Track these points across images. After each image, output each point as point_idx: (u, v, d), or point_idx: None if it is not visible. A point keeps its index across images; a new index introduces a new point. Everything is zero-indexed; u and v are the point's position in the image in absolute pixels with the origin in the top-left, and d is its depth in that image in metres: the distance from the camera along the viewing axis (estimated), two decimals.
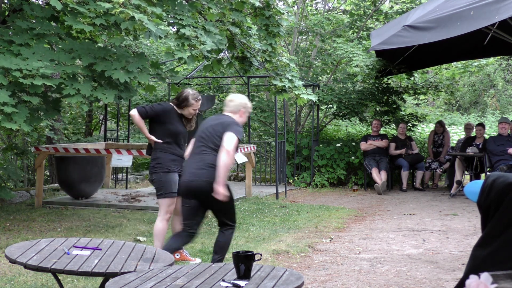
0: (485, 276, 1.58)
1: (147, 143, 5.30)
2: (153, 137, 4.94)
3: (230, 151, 4.22)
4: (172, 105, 5.00)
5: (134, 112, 4.89)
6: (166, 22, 6.38)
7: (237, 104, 4.57)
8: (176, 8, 6.31)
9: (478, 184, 2.29)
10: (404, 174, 10.37)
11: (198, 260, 5.11)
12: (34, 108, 6.23)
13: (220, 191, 4.18)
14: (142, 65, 5.98)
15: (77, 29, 6.77)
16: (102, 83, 6.03)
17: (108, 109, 12.46)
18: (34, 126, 7.16)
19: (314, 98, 8.07)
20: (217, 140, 4.33)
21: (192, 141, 4.56)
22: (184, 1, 6.92)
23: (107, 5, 5.35)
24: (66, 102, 11.34)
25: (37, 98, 5.91)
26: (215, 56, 7.28)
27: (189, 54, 6.11)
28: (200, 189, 4.30)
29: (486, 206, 2.06)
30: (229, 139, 4.25)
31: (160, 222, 4.93)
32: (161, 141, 4.92)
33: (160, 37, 5.82)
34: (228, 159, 4.19)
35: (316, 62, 13.59)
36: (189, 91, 4.99)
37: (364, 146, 10.43)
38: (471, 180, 9.48)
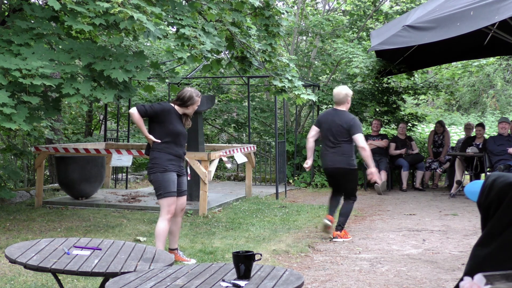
0: (479, 277, 1.57)
1: (147, 143, 5.30)
2: (151, 137, 4.91)
3: (365, 147, 5.98)
4: (173, 105, 4.99)
5: (133, 111, 4.85)
6: (165, 22, 6.37)
7: (344, 95, 6.12)
8: (176, 8, 6.30)
9: (478, 184, 2.29)
10: (404, 174, 10.37)
11: (193, 261, 5.10)
12: (34, 107, 6.22)
13: (372, 171, 6.04)
14: (141, 63, 5.96)
15: (76, 29, 6.76)
16: (101, 83, 6.02)
17: (108, 109, 12.45)
18: (33, 126, 7.16)
19: (314, 98, 8.07)
20: (345, 135, 6.03)
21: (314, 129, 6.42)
22: (184, 1, 6.92)
23: (106, 5, 5.34)
24: (66, 102, 11.34)
25: (36, 98, 5.90)
26: (214, 56, 7.28)
27: (188, 54, 6.10)
28: (337, 172, 6.13)
29: (486, 206, 2.06)
30: (360, 139, 5.97)
31: (161, 223, 4.89)
32: (159, 140, 4.90)
33: (159, 38, 5.81)
34: (366, 152, 5.98)
35: (316, 62, 13.59)
36: (190, 90, 4.99)
37: None
38: (471, 180, 9.48)
